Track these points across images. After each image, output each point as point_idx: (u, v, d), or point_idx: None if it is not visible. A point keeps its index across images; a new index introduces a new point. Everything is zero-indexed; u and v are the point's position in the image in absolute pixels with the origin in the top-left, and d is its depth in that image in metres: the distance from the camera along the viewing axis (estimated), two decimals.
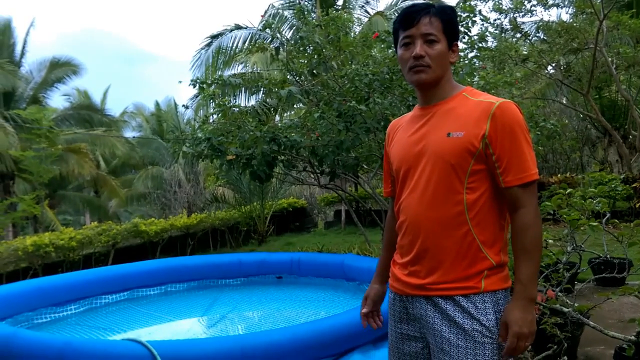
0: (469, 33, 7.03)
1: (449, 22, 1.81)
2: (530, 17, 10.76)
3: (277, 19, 14.43)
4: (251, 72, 13.90)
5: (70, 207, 24.06)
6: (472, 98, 1.80)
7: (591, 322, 3.08)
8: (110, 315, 6.30)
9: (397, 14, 1.95)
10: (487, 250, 1.74)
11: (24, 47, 19.68)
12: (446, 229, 1.75)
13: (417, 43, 1.78)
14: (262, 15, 14.21)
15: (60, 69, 19.94)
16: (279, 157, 7.17)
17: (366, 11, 16.43)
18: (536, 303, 3.34)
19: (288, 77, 8.32)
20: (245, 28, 14.29)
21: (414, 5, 1.83)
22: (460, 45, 6.99)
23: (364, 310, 2.12)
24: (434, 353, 1.78)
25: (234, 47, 14.59)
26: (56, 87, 20.43)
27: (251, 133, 6.79)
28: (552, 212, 3.58)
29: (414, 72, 1.80)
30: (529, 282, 1.71)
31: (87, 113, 21.22)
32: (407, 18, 1.81)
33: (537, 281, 1.75)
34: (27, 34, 19.84)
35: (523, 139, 1.71)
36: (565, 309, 3.17)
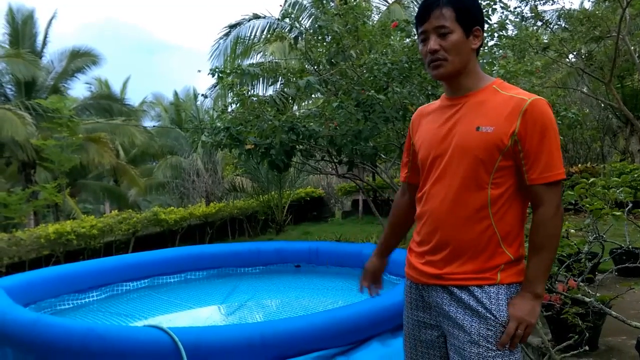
0: (489, 21, 6.95)
1: (463, 9, 1.78)
2: (552, 5, 10.62)
3: (296, 8, 14.38)
4: (269, 62, 13.90)
5: (90, 196, 24.32)
6: (503, 92, 1.78)
7: (613, 312, 3.05)
8: (131, 302, 6.38)
9: (414, 3, 1.96)
10: (506, 246, 1.76)
11: (45, 38, 19.86)
12: (468, 222, 1.76)
13: (432, 38, 1.79)
14: (280, 5, 14.18)
15: (80, 59, 20.09)
16: (297, 146, 7.17)
17: None
18: (557, 293, 3.33)
19: (306, 66, 8.31)
20: (264, 17, 14.27)
21: None
22: None
23: (365, 283, 2.27)
24: (449, 339, 1.81)
25: (252, 37, 14.59)
26: (76, 77, 20.61)
27: (270, 122, 6.80)
28: (573, 202, 3.54)
29: (432, 68, 1.82)
30: (535, 279, 1.74)
31: (107, 103, 21.37)
32: (421, 12, 1.82)
33: (545, 278, 1.76)
34: (48, 25, 19.98)
35: (552, 138, 1.71)
36: (587, 299, 3.15)
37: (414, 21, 1.92)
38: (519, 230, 1.79)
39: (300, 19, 13.97)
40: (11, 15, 18.96)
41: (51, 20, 20.38)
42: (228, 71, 7.66)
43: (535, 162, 1.70)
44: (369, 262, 2.27)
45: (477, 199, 1.75)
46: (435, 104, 2.00)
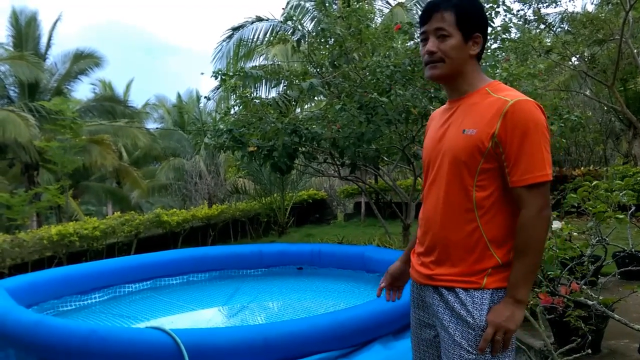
0: (492, 24, 6.95)
1: (465, 14, 1.79)
2: (555, 7, 10.61)
3: (298, 10, 14.39)
4: (272, 64, 13.91)
5: (93, 198, 24.33)
6: (494, 94, 1.78)
7: (616, 315, 3.05)
8: (134, 303, 6.39)
9: (417, 6, 1.98)
10: (495, 249, 1.76)
11: (49, 40, 19.90)
12: (455, 224, 1.78)
13: (430, 39, 1.81)
14: (283, 8, 14.18)
15: (83, 61, 20.11)
16: (299, 148, 7.19)
17: (387, 2, 16.32)
18: (560, 296, 3.33)
19: (309, 69, 8.32)
20: (267, 20, 14.28)
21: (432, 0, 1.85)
22: None
23: (382, 284, 2.19)
24: (440, 340, 1.84)
25: (254, 40, 14.59)
26: (79, 79, 20.65)
27: (272, 125, 6.81)
28: (576, 204, 3.54)
29: (428, 68, 1.84)
30: (516, 282, 1.72)
31: (110, 105, 21.39)
32: (423, 14, 1.84)
33: (527, 284, 1.73)
34: (53, 27, 20.01)
35: (535, 139, 1.67)
36: (590, 302, 3.14)
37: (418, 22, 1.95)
38: (510, 233, 1.77)
39: (303, 21, 13.98)
40: (15, 18, 19.00)
41: (56, 22, 20.35)
42: (231, 73, 7.68)
43: (516, 164, 1.68)
44: (392, 265, 2.21)
45: (463, 202, 1.77)
46: (442, 107, 2.03)
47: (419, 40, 1.94)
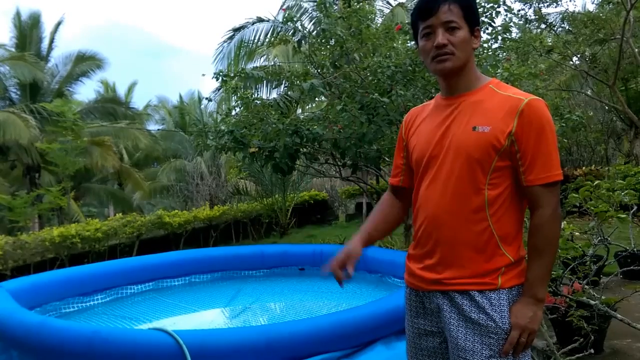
0: (492, 24, 6.95)
1: (469, 7, 1.78)
2: (555, 7, 10.62)
3: (295, 10, 14.38)
4: (273, 65, 13.92)
5: (94, 199, 24.36)
6: (500, 92, 1.77)
7: (618, 315, 3.05)
8: (136, 305, 6.38)
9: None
10: (505, 247, 1.73)
11: (51, 42, 19.94)
12: (465, 224, 1.74)
13: (439, 32, 1.75)
14: (284, 9, 14.18)
15: (84, 63, 20.15)
16: (301, 149, 7.18)
17: (388, 2, 16.34)
18: (562, 295, 3.33)
19: (310, 69, 8.32)
20: (267, 21, 14.28)
21: None
22: (484, 36, 6.91)
23: (348, 267, 2.03)
24: (450, 348, 1.78)
25: (255, 40, 14.59)
26: (81, 81, 20.69)
27: (274, 126, 6.80)
28: (578, 204, 3.54)
29: (438, 62, 1.77)
30: (535, 282, 1.72)
31: (112, 106, 21.42)
32: (425, 8, 1.78)
33: (546, 282, 1.75)
34: (55, 30, 20.03)
35: (550, 138, 1.69)
36: (592, 302, 3.14)
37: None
38: (518, 231, 1.77)
39: (301, 21, 13.98)
40: (18, 19, 19.02)
41: (58, 25, 20.35)
42: (232, 74, 7.68)
43: (532, 162, 1.68)
44: (352, 245, 2.07)
45: (474, 200, 1.73)
46: (429, 104, 1.98)
47: (419, 36, 1.84)
